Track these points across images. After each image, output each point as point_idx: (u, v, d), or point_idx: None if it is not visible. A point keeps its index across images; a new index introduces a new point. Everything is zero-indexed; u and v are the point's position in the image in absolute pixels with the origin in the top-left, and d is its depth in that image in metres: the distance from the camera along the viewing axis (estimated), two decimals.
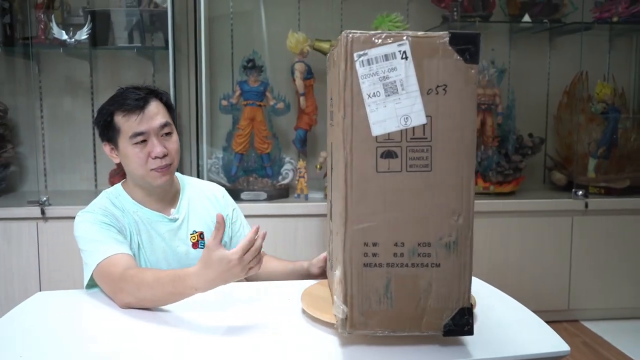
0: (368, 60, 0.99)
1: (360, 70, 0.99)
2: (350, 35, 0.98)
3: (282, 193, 2.94)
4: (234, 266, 1.19)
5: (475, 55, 1.00)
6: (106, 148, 1.58)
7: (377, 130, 1.00)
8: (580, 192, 2.94)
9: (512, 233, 2.88)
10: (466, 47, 0.99)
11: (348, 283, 1.02)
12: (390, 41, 0.99)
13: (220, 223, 1.21)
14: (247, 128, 2.91)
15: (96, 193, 2.96)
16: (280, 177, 3.01)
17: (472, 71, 1.00)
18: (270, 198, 2.87)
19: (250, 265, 1.22)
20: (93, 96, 3.11)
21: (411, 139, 1.00)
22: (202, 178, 2.74)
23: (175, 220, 1.61)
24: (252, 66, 2.88)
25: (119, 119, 1.50)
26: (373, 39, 0.99)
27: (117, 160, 1.58)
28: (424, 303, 1.04)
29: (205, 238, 1.63)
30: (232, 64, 3.17)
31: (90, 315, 1.34)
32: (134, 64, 3.10)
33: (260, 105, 2.90)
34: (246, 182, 2.96)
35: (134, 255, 1.51)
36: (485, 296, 1.37)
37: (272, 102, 2.91)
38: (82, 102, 3.12)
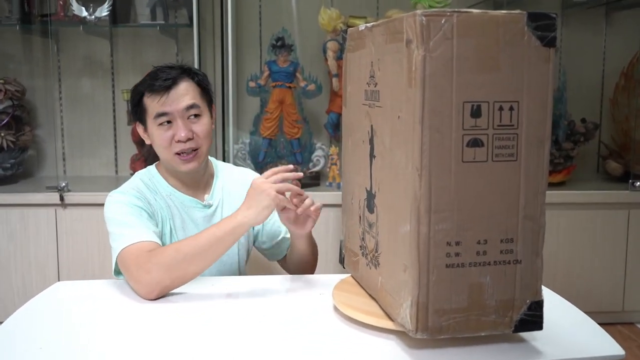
0: None
1: None
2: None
3: (313, 181, 2.96)
4: (261, 185, 1.40)
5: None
6: (139, 128, 1.67)
7: None
8: (638, 183, 2.90)
9: (562, 227, 2.83)
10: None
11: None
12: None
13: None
14: (276, 111, 2.92)
15: (117, 179, 3.07)
16: (310, 164, 3.02)
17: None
18: (301, 186, 2.86)
19: (279, 189, 1.40)
20: (114, 77, 3.17)
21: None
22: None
23: (209, 206, 1.67)
24: (281, 45, 2.88)
25: (147, 99, 1.59)
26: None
27: (149, 142, 1.65)
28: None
29: None
30: (260, 43, 3.18)
31: (111, 306, 1.37)
32: (156, 43, 3.14)
33: (289, 87, 2.91)
34: None
35: (165, 243, 1.57)
36: None
37: (302, 84, 2.91)
38: (102, 83, 3.17)
